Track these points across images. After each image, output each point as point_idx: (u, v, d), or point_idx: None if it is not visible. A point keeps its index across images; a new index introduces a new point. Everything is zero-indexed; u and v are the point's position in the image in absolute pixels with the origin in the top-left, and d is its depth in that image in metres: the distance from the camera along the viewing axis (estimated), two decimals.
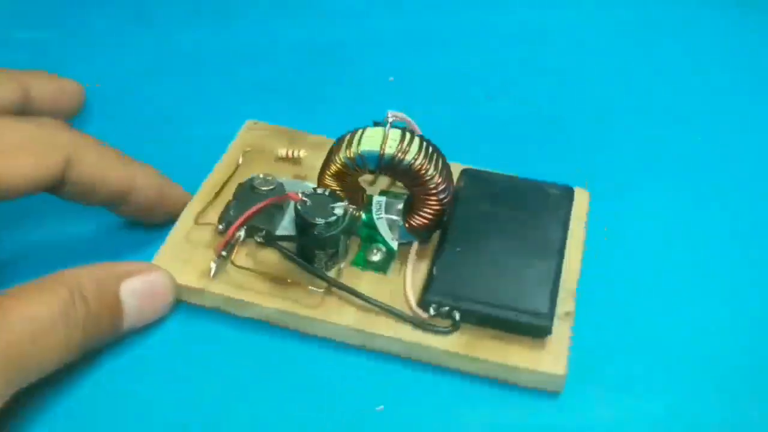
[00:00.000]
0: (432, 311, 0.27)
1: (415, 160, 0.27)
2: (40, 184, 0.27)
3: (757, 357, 0.28)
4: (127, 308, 0.27)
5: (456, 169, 0.30)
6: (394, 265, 0.29)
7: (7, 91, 0.31)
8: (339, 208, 0.28)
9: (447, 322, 0.27)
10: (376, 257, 0.29)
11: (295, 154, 0.33)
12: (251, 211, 0.28)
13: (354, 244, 0.30)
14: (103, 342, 0.27)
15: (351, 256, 0.29)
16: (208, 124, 0.36)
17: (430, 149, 0.28)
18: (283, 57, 0.40)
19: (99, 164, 0.29)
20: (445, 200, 0.28)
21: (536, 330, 0.27)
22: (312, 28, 0.42)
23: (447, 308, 0.27)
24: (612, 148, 0.35)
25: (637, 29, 0.42)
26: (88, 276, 0.26)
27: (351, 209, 0.28)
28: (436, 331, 0.27)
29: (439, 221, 0.29)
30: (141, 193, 0.30)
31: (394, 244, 0.29)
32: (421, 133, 0.29)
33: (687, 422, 0.26)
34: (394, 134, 0.28)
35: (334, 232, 0.28)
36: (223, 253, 0.29)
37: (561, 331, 0.27)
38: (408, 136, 0.28)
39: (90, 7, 0.43)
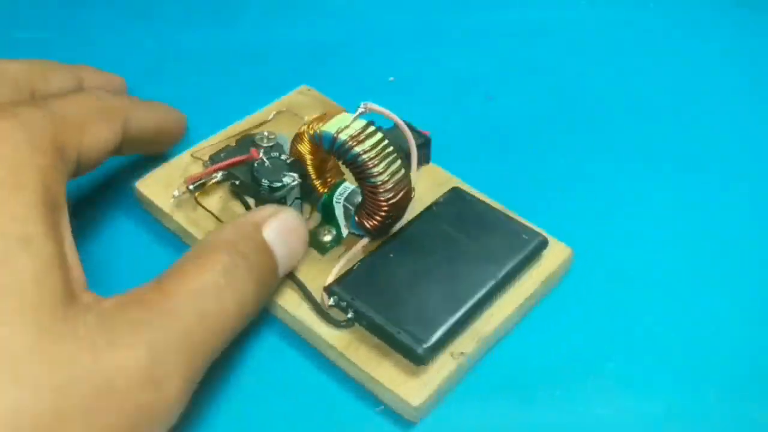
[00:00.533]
0: (332, 301, 0.28)
1: (364, 153, 0.27)
2: (112, 150, 0.28)
3: (757, 357, 0.28)
4: (277, 250, 0.27)
5: (450, 182, 0.31)
6: (338, 251, 0.30)
7: (65, 80, 0.32)
8: (287, 177, 0.29)
9: (343, 317, 0.27)
10: (326, 237, 0.30)
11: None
12: (230, 161, 0.30)
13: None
14: (273, 290, 0.27)
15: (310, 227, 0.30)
16: (208, 123, 0.36)
17: (389, 150, 0.28)
18: (283, 57, 0.40)
19: (149, 117, 0.31)
20: (390, 202, 0.28)
21: (412, 355, 0.26)
22: (312, 28, 0.42)
23: (344, 303, 0.27)
24: (612, 147, 0.35)
25: (637, 29, 0.42)
26: (234, 232, 0.26)
27: (298, 181, 0.29)
28: (329, 321, 0.27)
29: (387, 223, 0.29)
30: (140, 130, 0.30)
31: (344, 231, 0.30)
32: (409, 133, 0.29)
33: (687, 422, 0.26)
34: (357, 124, 0.28)
35: (276, 197, 0.29)
36: (191, 187, 0.30)
37: (443, 367, 0.26)
38: (370, 130, 0.28)
39: (90, 7, 0.43)
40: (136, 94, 0.38)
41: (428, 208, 0.30)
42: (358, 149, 0.27)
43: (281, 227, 0.27)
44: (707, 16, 0.42)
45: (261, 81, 0.38)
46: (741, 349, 0.28)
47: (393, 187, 0.28)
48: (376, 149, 0.27)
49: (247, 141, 0.32)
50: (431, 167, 0.33)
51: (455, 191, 0.31)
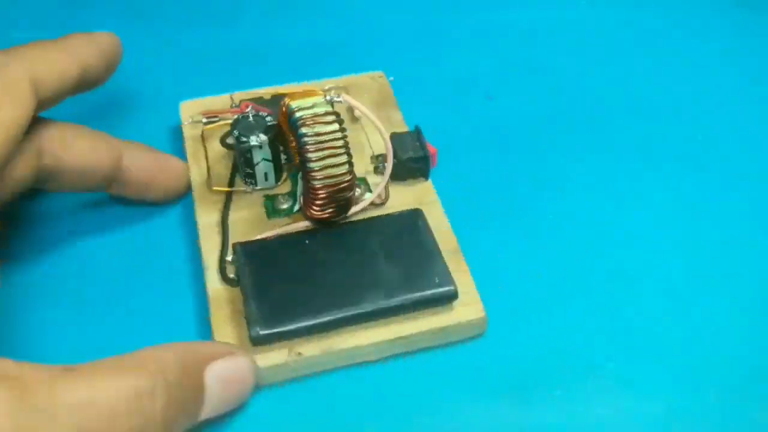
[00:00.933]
0: (231, 258, 0.29)
1: (308, 136, 0.27)
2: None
3: (757, 357, 0.28)
4: (210, 394, 0.24)
5: (431, 206, 0.31)
6: (283, 222, 0.30)
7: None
8: (254, 137, 0.30)
9: (233, 276, 0.29)
10: (282, 205, 0.31)
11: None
12: (235, 110, 0.32)
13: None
14: (182, 429, 0.24)
15: (279, 191, 0.31)
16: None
17: (335, 143, 0.28)
18: (283, 57, 0.40)
19: (77, 149, 0.29)
20: (319, 192, 0.28)
21: (250, 332, 0.26)
22: (312, 28, 0.42)
23: (237, 263, 0.28)
24: (612, 147, 0.35)
25: (637, 29, 0.42)
26: (174, 358, 0.23)
27: (261, 143, 0.30)
28: (221, 272, 0.29)
29: (325, 214, 0.29)
30: (131, 171, 0.30)
31: (296, 207, 0.31)
32: (382, 129, 0.29)
33: (687, 422, 0.26)
34: (321, 109, 0.28)
35: (242, 149, 0.30)
36: (204, 120, 0.33)
37: (273, 357, 0.27)
38: (328, 119, 0.28)
39: (90, 7, 0.43)
40: (136, 94, 0.38)
41: (379, 217, 0.30)
42: (304, 130, 0.28)
43: (227, 373, 0.25)
44: (707, 16, 0.42)
45: (261, 81, 0.38)
46: (741, 350, 0.28)
47: (322, 178, 0.28)
48: (321, 137, 0.28)
49: (278, 99, 0.32)
50: (426, 184, 0.32)
51: (415, 213, 0.30)
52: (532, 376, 0.27)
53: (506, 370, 0.27)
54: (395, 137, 0.31)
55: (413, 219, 0.30)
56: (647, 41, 0.41)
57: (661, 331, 0.29)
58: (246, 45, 0.41)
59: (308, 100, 0.28)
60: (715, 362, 0.28)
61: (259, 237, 0.29)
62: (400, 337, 0.27)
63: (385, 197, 0.31)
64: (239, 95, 0.35)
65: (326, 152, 0.28)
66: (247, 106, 0.31)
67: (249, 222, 0.30)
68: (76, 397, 0.21)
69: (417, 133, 0.32)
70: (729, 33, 0.42)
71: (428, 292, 0.27)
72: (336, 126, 0.28)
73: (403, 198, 0.31)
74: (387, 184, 0.30)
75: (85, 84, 0.30)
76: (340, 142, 0.28)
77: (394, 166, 0.30)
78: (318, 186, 0.28)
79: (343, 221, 0.30)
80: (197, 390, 0.24)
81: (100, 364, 0.22)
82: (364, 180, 0.32)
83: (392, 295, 0.27)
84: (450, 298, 0.27)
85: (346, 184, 0.28)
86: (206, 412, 0.25)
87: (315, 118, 0.28)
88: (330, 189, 0.28)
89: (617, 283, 0.30)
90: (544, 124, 0.37)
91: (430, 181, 0.32)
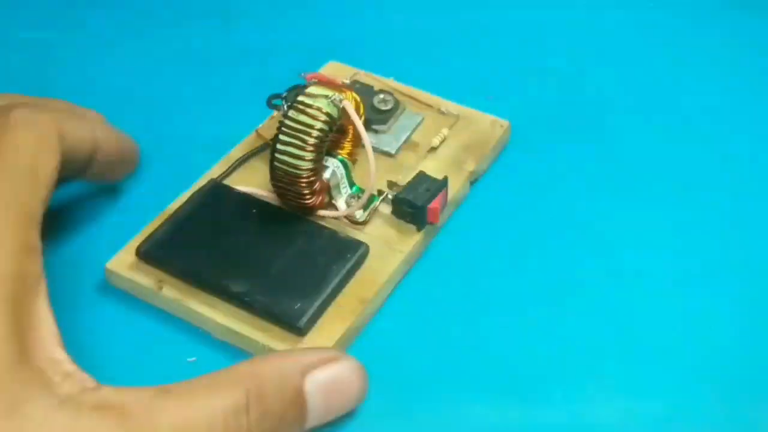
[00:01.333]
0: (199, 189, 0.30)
1: (289, 118, 0.28)
2: (89, 151, 0.28)
3: (757, 357, 0.28)
4: (312, 404, 0.23)
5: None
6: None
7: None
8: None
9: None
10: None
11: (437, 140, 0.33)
12: (331, 80, 0.32)
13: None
14: None
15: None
16: (208, 123, 0.36)
17: (310, 141, 0.28)
18: (283, 57, 0.40)
19: (113, 137, 0.30)
20: (273, 174, 0.29)
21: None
22: (312, 28, 0.42)
23: (196, 195, 0.30)
24: (612, 147, 0.35)
25: (636, 30, 0.42)
26: (270, 371, 0.23)
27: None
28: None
29: (285, 196, 0.29)
30: (104, 149, 0.29)
31: None
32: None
33: (687, 422, 0.26)
34: (322, 102, 0.28)
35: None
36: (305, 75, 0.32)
37: (139, 276, 0.28)
38: (318, 114, 0.28)
39: (90, 7, 0.43)
40: (137, 94, 0.38)
41: (326, 229, 0.29)
42: (291, 113, 0.28)
43: (330, 381, 0.24)
44: (709, 17, 0.42)
45: (261, 81, 0.38)
46: (741, 350, 0.28)
47: (279, 162, 0.28)
48: (298, 126, 0.28)
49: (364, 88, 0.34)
50: (414, 235, 0.30)
51: (355, 245, 0.29)
52: (532, 376, 0.27)
53: (506, 370, 0.28)
54: (419, 177, 0.31)
55: (347, 249, 0.29)
56: (647, 41, 0.41)
57: (661, 331, 0.29)
58: (246, 45, 0.41)
59: (324, 92, 0.28)
60: (715, 362, 0.28)
61: (236, 188, 0.31)
62: (232, 330, 0.27)
63: (364, 220, 0.30)
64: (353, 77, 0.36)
65: (293, 140, 0.28)
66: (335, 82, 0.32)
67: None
68: (175, 418, 0.21)
69: (438, 184, 0.30)
70: (730, 33, 0.42)
71: (277, 310, 0.27)
72: (317, 123, 0.28)
73: (383, 232, 0.30)
74: (372, 210, 0.30)
75: (96, 167, 0.29)
76: (312, 140, 0.28)
77: (395, 201, 0.30)
78: (274, 168, 0.28)
79: (303, 214, 0.30)
80: (296, 402, 0.23)
81: (196, 383, 0.22)
82: (362, 191, 0.31)
83: (258, 292, 0.27)
84: (293, 328, 0.27)
85: (298, 180, 0.28)
86: (311, 423, 0.24)
87: (306, 108, 0.28)
88: (283, 176, 0.28)
89: (617, 283, 0.30)
90: (544, 124, 0.37)
91: (420, 233, 0.30)
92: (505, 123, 0.34)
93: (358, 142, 0.31)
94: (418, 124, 0.34)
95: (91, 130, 0.29)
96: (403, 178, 0.31)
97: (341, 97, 0.28)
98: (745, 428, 0.26)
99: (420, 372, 0.28)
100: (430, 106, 0.33)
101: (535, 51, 0.40)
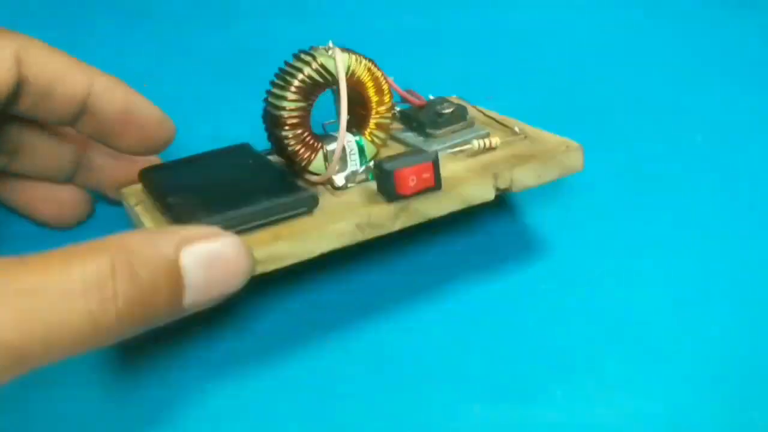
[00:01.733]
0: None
1: (292, 66, 0.29)
2: None
3: (757, 357, 0.28)
4: (190, 278, 0.22)
5: None
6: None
7: None
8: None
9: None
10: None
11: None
12: (398, 88, 0.32)
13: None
14: (160, 321, 0.22)
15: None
16: (208, 123, 0.36)
17: (294, 82, 0.28)
18: (282, 57, 0.40)
19: (53, 62, 0.28)
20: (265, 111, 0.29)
21: None
22: (312, 28, 0.42)
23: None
24: (613, 147, 0.35)
25: (637, 30, 0.42)
26: (142, 240, 0.22)
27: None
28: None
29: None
30: (103, 101, 0.29)
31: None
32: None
33: (687, 422, 0.26)
34: (329, 62, 0.28)
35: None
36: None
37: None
38: (326, 60, 0.28)
39: (90, 7, 0.43)
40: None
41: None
42: (292, 60, 0.29)
43: (210, 254, 0.23)
44: (709, 17, 0.42)
45: (261, 81, 0.38)
46: (741, 350, 0.28)
47: (266, 99, 0.29)
48: (287, 70, 0.28)
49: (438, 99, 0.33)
50: (375, 206, 0.28)
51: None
52: (532, 376, 0.27)
53: (506, 370, 0.28)
54: (413, 150, 0.29)
55: (288, 191, 0.28)
56: (647, 41, 0.41)
57: (662, 331, 0.29)
58: (246, 45, 0.41)
59: (348, 58, 0.29)
60: (715, 362, 0.28)
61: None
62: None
63: (341, 186, 0.29)
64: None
65: (279, 81, 0.28)
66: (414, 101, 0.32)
67: None
68: (23, 284, 0.20)
69: (422, 156, 0.28)
70: (729, 33, 0.42)
71: (185, 216, 0.26)
72: (305, 68, 0.28)
73: (352, 200, 0.28)
74: (352, 177, 0.29)
75: (92, 124, 0.29)
76: (296, 82, 0.28)
77: (375, 166, 0.28)
78: (265, 97, 0.29)
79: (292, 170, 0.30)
80: (172, 273, 0.22)
81: (55, 251, 0.21)
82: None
83: (183, 204, 0.27)
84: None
85: (279, 121, 0.28)
86: (191, 298, 0.22)
87: (303, 54, 0.29)
88: (268, 114, 0.29)
89: (617, 283, 0.30)
90: (544, 125, 0.37)
91: (386, 206, 0.27)
92: (574, 144, 0.30)
93: (386, 122, 0.30)
94: (476, 137, 0.31)
95: (86, 75, 0.28)
96: None
97: (341, 51, 0.28)
98: (745, 428, 0.26)
99: (420, 371, 0.28)
100: (506, 126, 0.30)
101: (534, 51, 0.40)
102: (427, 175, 0.27)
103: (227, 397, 0.27)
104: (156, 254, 0.22)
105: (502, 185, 0.29)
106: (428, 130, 0.31)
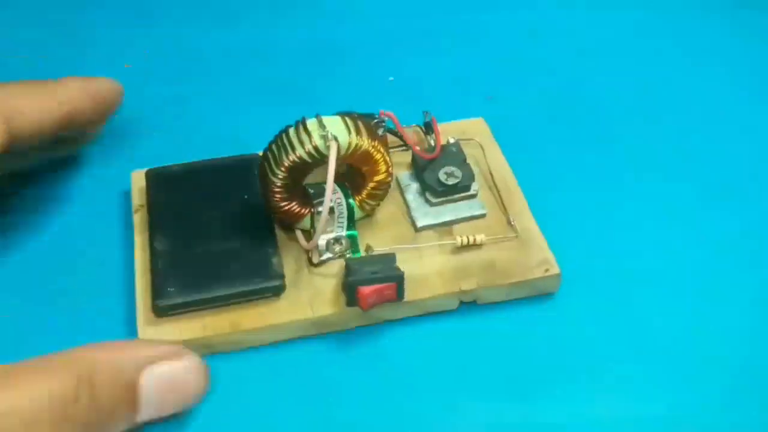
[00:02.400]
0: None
1: (282, 132, 0.28)
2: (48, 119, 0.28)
3: (757, 357, 0.28)
4: (146, 398, 0.23)
5: None
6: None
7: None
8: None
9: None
10: None
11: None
12: (408, 139, 0.31)
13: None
14: None
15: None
16: (208, 124, 0.36)
17: (282, 150, 0.28)
18: (282, 57, 0.40)
19: (81, 87, 0.29)
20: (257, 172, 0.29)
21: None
22: (312, 28, 0.42)
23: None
24: (613, 147, 0.35)
25: (637, 30, 0.42)
26: (106, 359, 0.22)
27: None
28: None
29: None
30: (78, 112, 0.29)
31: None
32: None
33: (687, 422, 0.26)
34: (317, 131, 0.27)
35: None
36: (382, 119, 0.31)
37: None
38: (321, 144, 0.27)
39: (90, 7, 0.43)
40: (136, 93, 0.38)
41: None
42: (291, 127, 0.28)
43: (166, 377, 0.24)
44: (709, 18, 0.42)
45: (261, 81, 0.38)
46: (741, 350, 0.28)
47: (262, 156, 0.28)
48: (285, 142, 0.28)
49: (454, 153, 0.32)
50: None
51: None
52: (532, 375, 0.27)
53: (507, 370, 0.28)
54: (388, 257, 0.28)
55: (260, 274, 0.28)
56: (647, 41, 0.41)
57: (662, 331, 0.29)
58: (246, 45, 0.41)
59: (337, 126, 0.28)
60: (715, 362, 0.28)
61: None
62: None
63: (316, 263, 0.29)
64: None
65: (276, 152, 0.28)
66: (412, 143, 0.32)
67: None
68: None
69: (391, 275, 0.27)
70: (730, 34, 0.42)
71: (157, 282, 0.28)
72: (298, 149, 0.27)
73: (322, 285, 0.29)
74: (325, 260, 0.29)
75: (73, 125, 0.29)
76: (287, 162, 0.27)
77: (346, 264, 0.28)
78: (259, 164, 0.29)
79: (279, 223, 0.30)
80: (130, 395, 0.23)
81: (23, 366, 0.21)
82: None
83: (165, 259, 0.29)
84: (154, 305, 0.28)
85: (269, 186, 0.28)
86: (144, 416, 0.23)
87: (303, 130, 0.28)
88: (260, 173, 0.29)
89: (617, 282, 0.30)
90: (544, 125, 0.37)
91: (346, 309, 0.28)
92: (554, 271, 0.29)
93: (380, 194, 0.30)
94: (472, 217, 0.31)
95: (52, 99, 0.28)
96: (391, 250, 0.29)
97: (336, 139, 0.27)
98: (745, 428, 0.26)
99: (419, 371, 0.28)
100: (506, 210, 0.30)
101: (534, 51, 0.40)
102: (390, 292, 0.27)
103: (226, 397, 0.27)
104: (118, 377, 0.23)
105: (468, 299, 0.29)
106: (427, 195, 0.31)
